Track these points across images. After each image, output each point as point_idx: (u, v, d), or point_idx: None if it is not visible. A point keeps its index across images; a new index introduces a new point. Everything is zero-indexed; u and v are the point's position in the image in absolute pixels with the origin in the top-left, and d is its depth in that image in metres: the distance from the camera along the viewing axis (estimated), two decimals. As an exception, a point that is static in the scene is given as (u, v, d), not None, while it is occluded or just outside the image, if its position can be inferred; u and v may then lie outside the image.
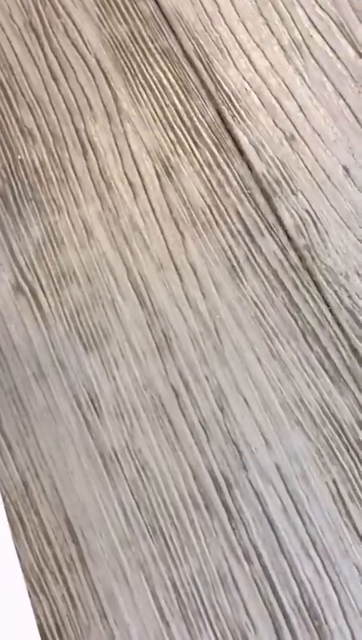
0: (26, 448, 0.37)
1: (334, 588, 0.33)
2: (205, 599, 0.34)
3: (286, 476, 0.35)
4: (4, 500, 0.36)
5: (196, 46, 0.41)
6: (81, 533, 0.35)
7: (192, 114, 0.40)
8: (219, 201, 0.39)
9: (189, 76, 0.41)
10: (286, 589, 0.33)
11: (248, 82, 0.40)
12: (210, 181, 0.39)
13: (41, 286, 0.39)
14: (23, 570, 0.35)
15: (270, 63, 0.40)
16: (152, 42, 0.42)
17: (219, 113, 0.40)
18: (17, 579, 0.35)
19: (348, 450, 0.35)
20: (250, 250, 0.38)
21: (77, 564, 0.35)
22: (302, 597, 0.33)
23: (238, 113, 0.40)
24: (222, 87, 0.40)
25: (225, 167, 0.39)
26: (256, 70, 0.40)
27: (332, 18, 0.40)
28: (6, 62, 0.43)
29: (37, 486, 0.36)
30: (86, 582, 0.34)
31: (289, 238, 0.38)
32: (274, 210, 0.38)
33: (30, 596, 0.35)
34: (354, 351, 0.36)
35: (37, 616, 0.34)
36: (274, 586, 0.33)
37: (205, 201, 0.39)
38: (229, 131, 0.39)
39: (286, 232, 0.38)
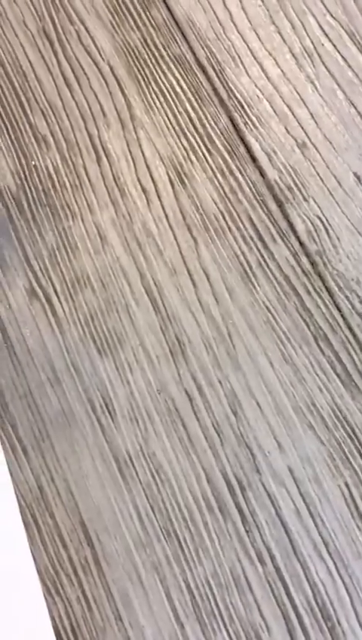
0: (41, 452, 0.37)
1: (346, 589, 0.34)
2: (219, 601, 0.34)
3: (299, 479, 0.35)
4: (19, 503, 0.36)
5: (208, 54, 0.41)
6: (96, 535, 0.36)
7: (205, 121, 0.40)
8: (231, 208, 0.39)
9: (202, 84, 0.41)
10: (300, 591, 0.34)
11: (260, 90, 0.41)
12: (222, 187, 0.39)
13: (56, 291, 0.39)
14: (39, 572, 0.35)
15: (282, 70, 0.41)
16: (165, 49, 0.42)
17: (232, 120, 0.40)
18: (33, 581, 0.35)
19: (359, 454, 0.35)
20: (262, 256, 0.38)
21: (92, 566, 0.35)
22: (314, 598, 0.34)
23: (251, 120, 0.40)
24: (234, 95, 0.41)
25: (237, 173, 0.40)
26: (268, 78, 0.41)
27: (343, 26, 0.41)
28: (20, 68, 0.43)
29: (52, 489, 0.36)
30: (101, 584, 0.35)
31: (301, 244, 0.38)
32: (286, 217, 0.39)
33: (45, 598, 0.35)
34: (365, 356, 0.36)
35: (52, 618, 0.35)
36: (288, 587, 0.34)
37: (218, 208, 0.39)
38: (242, 138, 0.40)
39: (298, 238, 0.38)
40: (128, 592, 0.35)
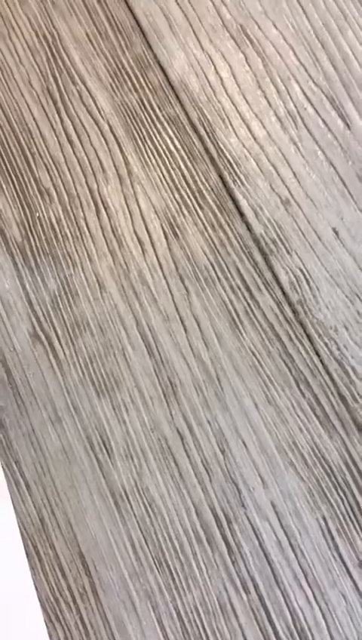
0: (43, 487, 0.40)
1: (323, 615, 0.37)
2: (206, 626, 0.37)
3: (281, 513, 0.38)
4: (22, 534, 0.39)
5: (200, 115, 0.45)
6: (94, 565, 0.38)
7: (197, 178, 0.44)
8: (220, 259, 0.42)
9: (194, 143, 0.44)
10: (281, 617, 0.37)
11: (247, 150, 0.44)
12: (212, 240, 0.43)
13: (57, 335, 0.42)
14: (40, 600, 0.38)
15: (267, 132, 0.44)
16: (160, 110, 0.45)
17: (221, 177, 0.44)
18: (34, 608, 0.38)
19: (336, 489, 0.38)
20: (248, 305, 0.41)
21: (89, 594, 0.38)
22: (294, 624, 0.36)
23: (239, 178, 0.43)
24: (224, 154, 0.44)
25: (226, 227, 0.43)
26: (254, 138, 0.44)
27: (324, 92, 0.44)
28: (25, 125, 0.46)
29: (52, 522, 0.39)
30: (98, 611, 0.38)
31: (284, 293, 0.41)
32: (270, 268, 0.42)
33: (46, 624, 0.38)
34: (342, 398, 0.40)
35: (52, 643, 0.37)
36: (270, 614, 0.37)
37: (208, 259, 0.42)
38: (230, 195, 0.43)
39: (281, 288, 0.42)
40: (123, 618, 0.37)
